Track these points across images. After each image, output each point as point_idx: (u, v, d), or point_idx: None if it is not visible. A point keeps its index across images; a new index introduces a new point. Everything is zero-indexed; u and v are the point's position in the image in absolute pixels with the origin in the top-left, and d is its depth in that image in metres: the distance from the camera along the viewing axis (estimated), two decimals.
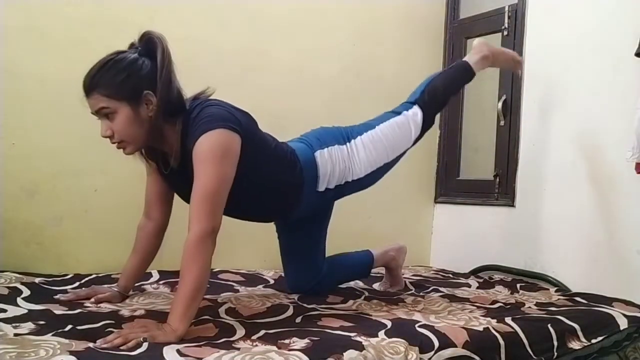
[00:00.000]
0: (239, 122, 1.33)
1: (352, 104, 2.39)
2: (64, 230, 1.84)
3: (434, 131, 2.56)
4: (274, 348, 1.11)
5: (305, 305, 1.57)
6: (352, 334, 1.22)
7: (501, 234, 2.35)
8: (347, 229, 2.19)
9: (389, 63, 2.54)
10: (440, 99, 1.78)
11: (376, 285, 1.97)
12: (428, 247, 2.68)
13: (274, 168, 1.45)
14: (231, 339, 1.18)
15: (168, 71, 1.29)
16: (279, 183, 1.47)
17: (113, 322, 1.25)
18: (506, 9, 2.37)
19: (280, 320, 1.40)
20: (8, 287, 1.48)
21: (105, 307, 1.41)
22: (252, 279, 1.91)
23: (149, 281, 1.74)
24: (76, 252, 1.86)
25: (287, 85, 2.26)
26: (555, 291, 1.96)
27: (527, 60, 2.27)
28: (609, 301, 1.72)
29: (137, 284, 1.62)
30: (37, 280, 1.61)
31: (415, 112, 1.70)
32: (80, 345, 1.05)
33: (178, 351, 1.04)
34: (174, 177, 1.41)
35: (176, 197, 1.51)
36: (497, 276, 2.24)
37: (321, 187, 1.54)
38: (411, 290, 1.93)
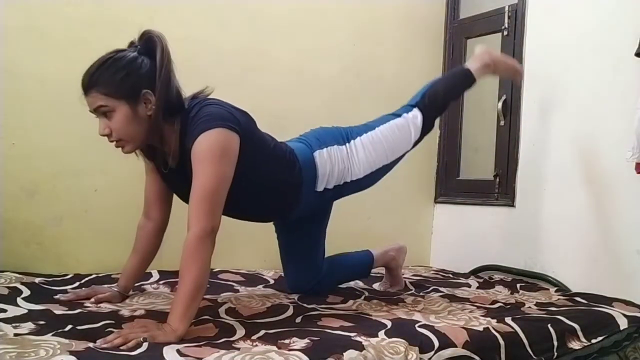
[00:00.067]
0: (238, 121, 1.33)
1: (352, 104, 2.39)
2: (64, 230, 1.84)
3: (434, 131, 2.55)
4: (274, 348, 1.11)
5: (305, 305, 1.57)
6: (352, 334, 1.22)
7: (501, 234, 2.35)
8: (347, 229, 2.19)
9: (389, 63, 2.54)
10: (440, 103, 1.79)
11: (376, 285, 1.97)
12: (428, 247, 2.68)
13: (272, 167, 1.44)
14: (231, 339, 1.18)
15: (167, 70, 1.29)
16: (278, 183, 1.47)
17: (113, 322, 1.25)
18: (506, 9, 2.37)
19: (280, 320, 1.40)
20: (8, 287, 1.48)
21: (105, 307, 1.41)
22: (252, 279, 1.91)
23: (149, 281, 1.74)
24: (76, 252, 1.86)
25: (287, 85, 2.26)
26: (555, 291, 1.96)
27: (527, 60, 2.28)
28: (609, 301, 1.72)
29: (137, 284, 1.62)
30: (37, 280, 1.61)
31: (416, 115, 1.71)
32: (80, 345, 1.05)
33: (178, 351, 1.04)
34: (173, 176, 1.41)
35: (176, 196, 1.51)
36: (497, 276, 2.24)
37: (320, 187, 1.54)
38: (411, 290, 1.93)
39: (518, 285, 2.04)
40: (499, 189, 2.37)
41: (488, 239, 2.40)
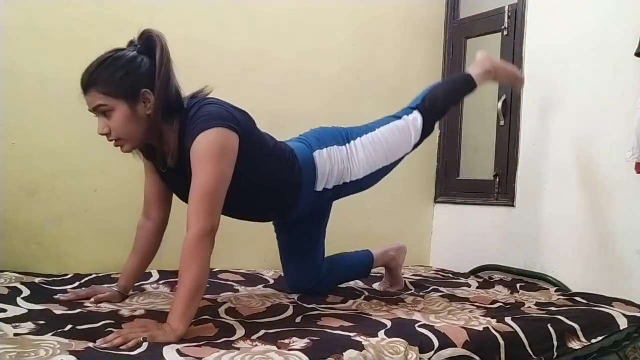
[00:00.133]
0: (237, 120, 1.33)
1: (352, 104, 2.39)
2: (64, 230, 1.84)
3: (434, 131, 2.55)
4: (274, 348, 1.11)
5: (305, 305, 1.56)
6: (352, 334, 1.22)
7: (501, 234, 2.35)
8: (347, 229, 2.19)
9: (389, 63, 2.54)
10: (440, 107, 1.79)
11: (376, 285, 1.97)
12: (428, 247, 2.68)
13: (272, 167, 1.44)
14: (231, 339, 1.18)
15: (167, 70, 1.29)
16: (277, 182, 1.47)
17: (113, 322, 1.25)
18: (506, 9, 2.37)
19: (280, 320, 1.40)
20: (8, 287, 1.48)
21: (105, 307, 1.41)
22: (252, 279, 1.91)
23: (149, 281, 1.74)
24: (76, 252, 1.86)
25: (287, 85, 2.26)
26: (555, 291, 1.96)
27: (527, 60, 2.28)
28: (609, 301, 1.72)
29: (137, 284, 1.62)
30: (37, 280, 1.61)
31: (416, 118, 1.71)
32: (80, 345, 1.05)
33: (178, 351, 1.04)
34: (172, 176, 1.41)
35: (175, 196, 1.51)
36: (497, 276, 2.24)
37: (319, 187, 1.54)
38: (411, 290, 1.93)
39: (518, 285, 2.04)
40: (499, 189, 2.37)
41: (488, 239, 2.40)
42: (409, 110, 1.73)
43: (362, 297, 1.73)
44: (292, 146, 1.54)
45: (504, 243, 2.33)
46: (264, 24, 2.21)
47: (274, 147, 1.47)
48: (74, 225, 1.86)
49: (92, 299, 1.44)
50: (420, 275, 2.25)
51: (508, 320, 1.43)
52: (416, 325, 1.33)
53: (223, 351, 1.05)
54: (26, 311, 1.30)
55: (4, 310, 1.27)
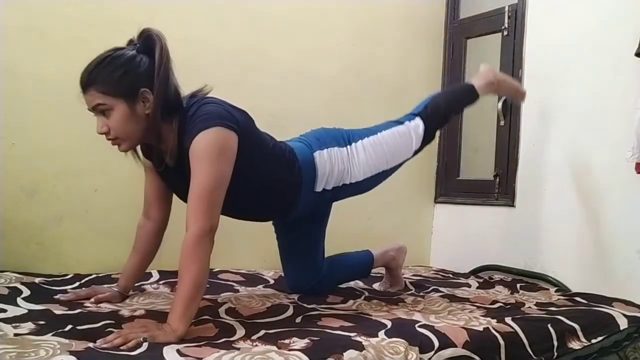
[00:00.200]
0: (236, 120, 1.32)
1: (352, 104, 2.39)
2: (64, 230, 1.84)
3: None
4: (274, 348, 1.11)
5: (305, 305, 1.56)
6: (352, 334, 1.22)
7: (501, 234, 2.35)
8: (347, 229, 2.19)
9: (389, 63, 2.54)
10: (442, 115, 1.80)
11: (376, 285, 1.97)
12: (428, 247, 2.68)
13: (271, 167, 1.44)
14: (231, 339, 1.18)
15: (166, 69, 1.29)
16: (277, 182, 1.47)
17: (113, 322, 1.25)
18: (506, 9, 2.38)
19: (280, 320, 1.40)
20: (8, 287, 1.48)
21: (105, 307, 1.41)
22: (252, 279, 1.91)
23: (149, 281, 1.74)
24: (76, 252, 1.86)
25: (287, 85, 2.26)
26: (555, 291, 1.96)
27: (527, 60, 2.28)
28: (609, 301, 1.72)
29: (137, 284, 1.62)
30: (37, 280, 1.61)
31: (418, 124, 1.71)
32: (80, 345, 1.05)
33: (178, 351, 1.04)
34: (171, 175, 1.41)
35: (175, 196, 1.51)
36: (497, 276, 2.24)
37: (319, 188, 1.54)
38: (411, 290, 1.93)
39: (518, 285, 2.04)
40: (499, 189, 2.37)
41: (488, 239, 2.40)
42: (410, 117, 1.74)
43: (362, 297, 1.73)
44: (292, 146, 1.54)
45: (504, 243, 2.33)
46: (264, 24, 2.21)
47: (273, 147, 1.47)
48: (74, 225, 1.86)
49: (92, 299, 1.44)
50: (420, 275, 2.25)
51: (508, 320, 1.43)
52: (416, 325, 1.33)
53: (223, 351, 1.05)
54: (26, 311, 1.30)
55: (4, 310, 1.27)
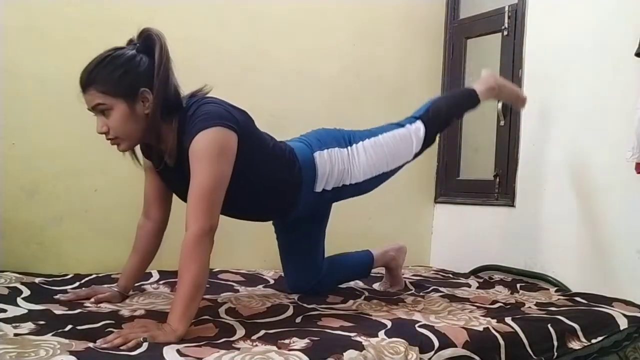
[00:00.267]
0: (236, 120, 1.32)
1: (352, 104, 2.39)
2: (64, 230, 1.84)
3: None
4: (274, 348, 1.11)
5: (305, 305, 1.56)
6: (352, 334, 1.22)
7: (501, 234, 2.35)
8: (347, 230, 2.19)
9: (389, 63, 2.54)
10: (443, 119, 1.80)
11: (376, 285, 1.97)
12: (428, 247, 2.68)
13: (271, 166, 1.44)
14: (231, 339, 1.18)
15: (166, 69, 1.29)
16: (277, 182, 1.47)
17: (113, 322, 1.25)
18: (506, 9, 2.38)
19: (280, 320, 1.40)
20: (8, 287, 1.48)
21: (105, 307, 1.41)
22: (252, 279, 1.91)
23: (149, 281, 1.74)
24: (76, 252, 1.86)
25: (287, 85, 2.26)
26: (555, 291, 1.96)
27: (527, 60, 2.28)
28: (609, 301, 1.72)
29: (137, 284, 1.62)
30: (37, 280, 1.61)
31: (419, 127, 1.71)
32: (80, 345, 1.05)
33: (178, 351, 1.04)
34: (171, 175, 1.41)
35: (175, 196, 1.51)
36: (497, 276, 2.24)
37: (319, 188, 1.54)
38: (411, 290, 1.93)
39: (518, 285, 2.04)
40: (499, 189, 2.37)
41: (488, 239, 2.40)
42: (412, 119, 1.74)
43: (362, 297, 1.73)
44: (292, 146, 1.54)
45: (504, 243, 2.33)
46: (264, 24, 2.21)
47: (273, 147, 1.47)
48: (74, 225, 1.86)
49: (92, 299, 1.44)
50: (420, 275, 2.25)
51: (508, 320, 1.43)
52: (416, 325, 1.33)
53: (223, 351, 1.05)
54: (26, 311, 1.30)
55: (4, 310, 1.27)
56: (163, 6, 1.98)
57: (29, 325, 1.17)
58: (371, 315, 1.46)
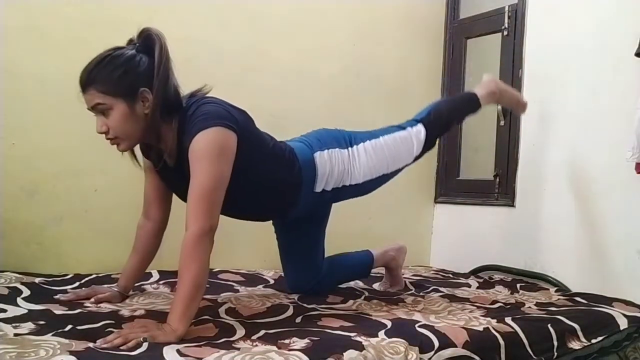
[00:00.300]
0: (236, 119, 1.32)
1: (352, 104, 2.39)
2: (64, 230, 1.84)
3: None
4: (274, 348, 1.11)
5: (305, 305, 1.57)
6: (352, 334, 1.22)
7: (501, 234, 2.35)
8: (347, 229, 2.19)
9: (389, 63, 2.53)
10: (444, 122, 1.81)
11: (376, 285, 1.97)
12: (428, 247, 2.68)
13: (271, 166, 1.44)
14: (231, 339, 1.18)
15: (165, 68, 1.29)
16: (277, 182, 1.47)
17: (113, 322, 1.25)
18: (506, 9, 2.38)
19: (280, 320, 1.40)
20: (8, 287, 1.48)
21: (105, 307, 1.41)
22: (252, 279, 1.91)
23: (149, 281, 1.74)
24: (76, 252, 1.86)
25: (287, 85, 2.26)
26: (555, 291, 1.96)
27: (527, 60, 2.28)
28: (609, 301, 1.72)
29: (137, 284, 1.62)
30: (37, 280, 1.61)
31: (419, 130, 1.72)
32: (80, 345, 1.05)
33: (178, 351, 1.04)
34: (171, 175, 1.41)
35: (175, 196, 1.51)
36: (497, 276, 2.24)
37: (318, 188, 1.54)
38: (411, 290, 1.93)
39: (518, 285, 2.04)
40: (499, 189, 2.37)
41: (488, 239, 2.40)
42: (413, 122, 1.74)
43: (362, 297, 1.73)
44: (292, 146, 1.54)
45: (504, 243, 2.33)
46: (264, 24, 2.21)
47: (273, 147, 1.47)
48: (74, 225, 1.86)
49: (92, 299, 1.44)
50: (420, 275, 2.25)
51: (508, 320, 1.43)
52: (416, 325, 1.33)
53: (223, 351, 1.05)
54: (26, 311, 1.30)
55: (4, 310, 1.27)
56: (163, 6, 1.98)
57: (29, 325, 1.17)
58: (371, 315, 1.46)
